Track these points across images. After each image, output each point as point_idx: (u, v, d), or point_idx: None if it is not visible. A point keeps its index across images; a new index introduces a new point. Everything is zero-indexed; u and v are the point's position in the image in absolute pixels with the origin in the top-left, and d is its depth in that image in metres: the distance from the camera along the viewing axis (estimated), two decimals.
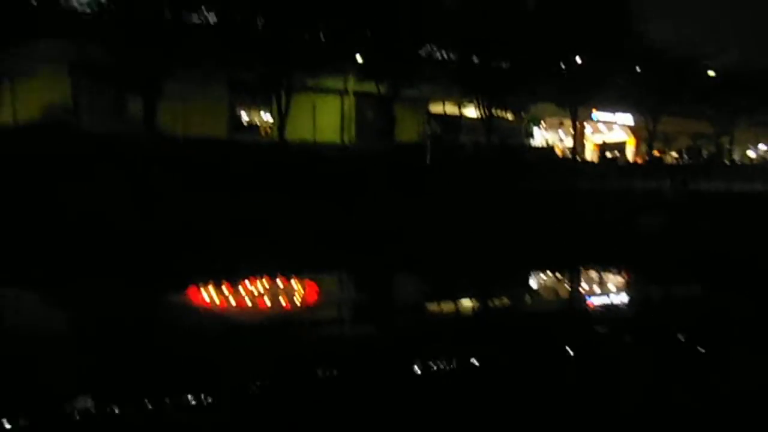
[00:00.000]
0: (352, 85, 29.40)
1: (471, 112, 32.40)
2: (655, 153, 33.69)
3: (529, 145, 33.09)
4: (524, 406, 5.12)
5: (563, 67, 28.97)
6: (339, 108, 30.16)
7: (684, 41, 32.18)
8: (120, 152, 16.34)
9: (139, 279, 10.07)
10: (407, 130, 29.94)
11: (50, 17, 18.43)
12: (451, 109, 33.74)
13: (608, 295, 11.41)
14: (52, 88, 22.24)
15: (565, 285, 12.49)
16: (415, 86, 27.20)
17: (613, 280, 13.12)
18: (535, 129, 35.50)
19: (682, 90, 31.22)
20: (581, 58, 28.66)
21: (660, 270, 13.93)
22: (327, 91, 28.95)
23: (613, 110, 35.93)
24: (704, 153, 34.42)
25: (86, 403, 4.68)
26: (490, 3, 26.25)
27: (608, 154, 36.36)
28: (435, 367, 5.82)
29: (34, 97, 21.31)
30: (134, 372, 5.52)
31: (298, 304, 6.42)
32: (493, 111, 28.92)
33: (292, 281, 6.98)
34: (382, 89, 26.98)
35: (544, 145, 35.34)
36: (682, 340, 7.44)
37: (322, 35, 23.71)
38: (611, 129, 37.95)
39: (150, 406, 4.65)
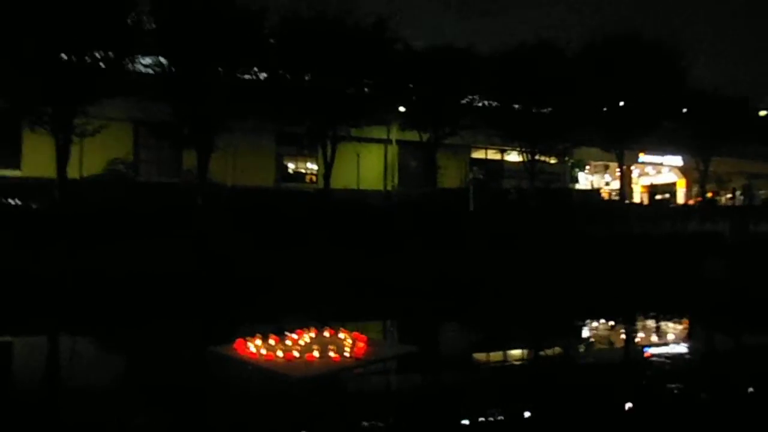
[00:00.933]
0: (395, 134, 30.11)
1: (514, 157, 32.46)
2: (709, 194, 32.44)
3: (574, 188, 32.52)
4: None
5: (607, 111, 28.68)
6: (382, 156, 30.80)
7: (733, 81, 31.51)
8: (173, 200, 17.03)
9: (183, 330, 10.28)
10: (450, 176, 30.17)
11: (115, 78, 19.82)
12: (493, 154, 33.90)
13: (671, 345, 10.78)
14: (116, 145, 23.84)
15: (624, 335, 11.91)
16: (457, 134, 27.65)
17: (676, 329, 12.43)
18: (580, 173, 34.98)
19: (732, 130, 30.30)
20: (626, 103, 28.33)
21: (727, 318, 13.13)
22: (371, 140, 29.75)
23: (661, 152, 35.11)
24: (761, 194, 32.86)
25: None
26: (532, 49, 26.59)
27: (658, 197, 35.27)
28: (484, 419, 5.64)
29: (98, 153, 22.83)
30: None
31: (348, 356, 6.36)
32: (536, 156, 28.85)
33: (341, 333, 6.95)
34: (425, 137, 27.51)
35: (590, 188, 34.70)
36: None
37: (366, 88, 24.52)
38: (659, 171, 36.97)
39: None
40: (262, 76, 23.43)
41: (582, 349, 10.48)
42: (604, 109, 28.64)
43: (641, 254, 19.16)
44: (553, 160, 29.70)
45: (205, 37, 19.89)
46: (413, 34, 26.44)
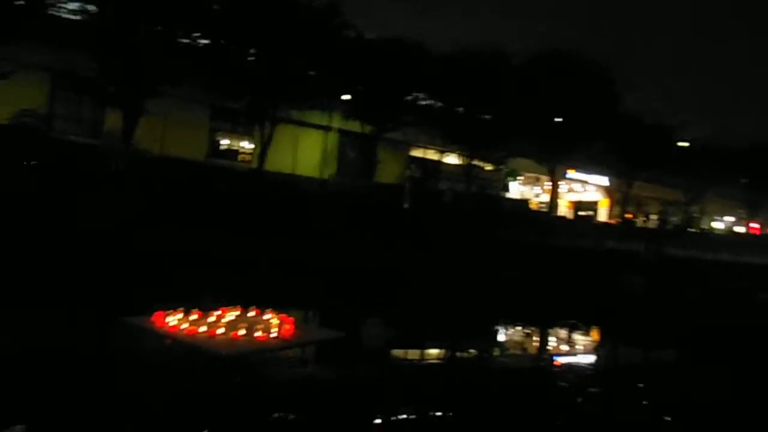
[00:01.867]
0: (337, 122, 29.53)
1: (452, 159, 32.91)
2: (628, 216, 34.50)
3: (505, 196, 33.48)
4: None
5: (543, 125, 29.70)
6: (321, 143, 30.14)
7: (658, 111, 33.67)
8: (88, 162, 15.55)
9: (97, 299, 9.37)
10: (387, 171, 30.04)
11: (35, 20, 17.87)
12: (432, 154, 34.20)
13: (578, 355, 11.11)
14: (28, 95, 21.54)
15: (536, 341, 12.15)
16: (399, 129, 27.57)
17: (587, 339, 12.85)
18: (512, 182, 36.07)
19: (654, 157, 32.38)
20: (561, 119, 29.46)
21: (639, 332, 13.77)
22: (311, 125, 29.04)
23: (589, 171, 36.99)
24: (674, 220, 35.49)
25: None
26: (479, 57, 26.97)
27: (582, 213, 37.09)
28: (395, 418, 5.58)
29: (6, 101, 20.52)
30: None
31: (275, 337, 5.92)
32: (474, 160, 29.36)
33: (267, 313, 6.47)
34: (367, 129, 27.21)
35: (520, 198, 35.86)
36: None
37: (311, 71, 23.79)
38: (586, 189, 38.92)
39: None
40: (203, 42, 22.07)
41: (495, 351, 10.63)
42: (541, 122, 29.64)
43: (563, 265, 19.94)
44: (489, 167, 30.38)
45: None
46: (366, 24, 26.04)
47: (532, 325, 13.08)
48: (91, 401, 5.00)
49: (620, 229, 29.67)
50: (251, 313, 6.50)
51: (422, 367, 8.73)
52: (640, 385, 8.43)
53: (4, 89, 19.16)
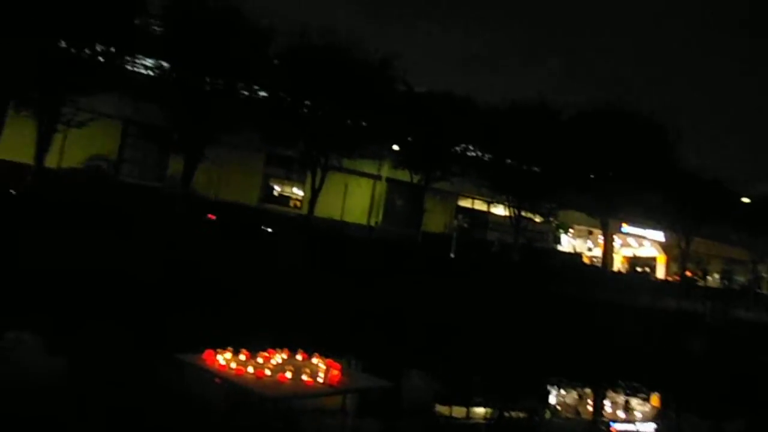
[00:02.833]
0: (385, 171, 30.05)
1: (499, 210, 32.57)
2: (688, 273, 32.73)
3: (557, 249, 32.59)
4: None
5: (595, 178, 29.10)
6: (370, 191, 30.62)
7: (721, 166, 32.43)
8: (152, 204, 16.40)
9: (146, 335, 9.63)
10: (435, 221, 30.04)
11: (113, 74, 19.43)
12: (480, 205, 34.01)
13: (637, 422, 10.36)
14: (101, 141, 23.19)
15: (591, 403, 11.45)
16: (447, 179, 27.70)
17: (647, 404, 12.00)
18: (563, 235, 35.17)
19: (714, 213, 30.92)
20: (614, 172, 28.77)
21: (704, 398, 12.77)
22: (361, 173, 29.66)
23: (644, 226, 35.63)
24: (740, 279, 33.35)
25: None
26: (528, 110, 27.04)
27: (638, 269, 35.50)
28: None
29: (82, 146, 22.15)
30: None
31: (321, 382, 5.86)
32: (523, 212, 28.94)
33: (314, 358, 6.45)
34: (415, 179, 27.49)
35: (572, 251, 34.83)
36: None
37: (363, 122, 24.52)
38: (641, 244, 37.40)
39: None
40: (261, 94, 23.27)
41: (546, 413, 10.05)
42: (592, 176, 29.05)
43: (619, 322, 18.94)
44: (538, 219, 29.82)
45: (210, 47, 19.73)
46: (416, 80, 26.83)
47: (587, 386, 12.37)
48: None
49: (680, 287, 28.12)
50: (298, 357, 6.48)
51: (468, 426, 8.34)
52: None
53: (81, 136, 20.70)
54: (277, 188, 30.27)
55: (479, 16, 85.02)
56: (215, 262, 14.54)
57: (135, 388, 6.70)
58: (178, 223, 16.52)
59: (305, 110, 23.39)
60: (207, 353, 6.07)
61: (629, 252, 37.63)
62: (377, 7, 79.80)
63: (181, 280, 13.50)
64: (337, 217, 27.62)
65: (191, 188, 21.39)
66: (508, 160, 28.15)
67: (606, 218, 30.23)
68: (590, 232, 35.99)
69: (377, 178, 30.56)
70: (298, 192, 29.93)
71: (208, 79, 20.74)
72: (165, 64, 21.01)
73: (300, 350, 6.57)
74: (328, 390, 5.94)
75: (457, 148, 28.11)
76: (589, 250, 36.04)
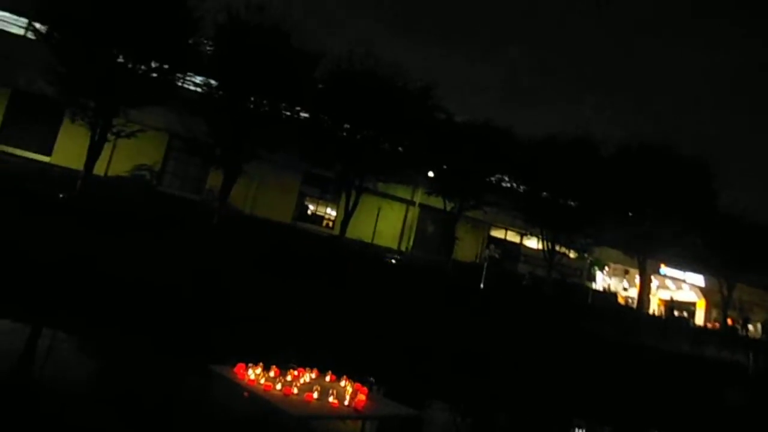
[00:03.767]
0: (419, 196, 30.15)
1: (533, 242, 32.08)
2: (729, 321, 31.29)
3: (591, 287, 31.75)
4: None
5: (633, 216, 28.41)
6: (402, 216, 30.71)
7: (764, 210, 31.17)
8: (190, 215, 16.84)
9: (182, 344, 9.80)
10: (466, 249, 29.83)
11: (164, 89, 20.26)
12: (512, 236, 33.61)
13: None
14: (147, 152, 24.12)
15: None
16: (480, 208, 27.55)
17: None
18: (598, 272, 34.29)
19: (759, 260, 29.64)
20: (653, 211, 28.06)
21: None
22: (394, 198, 29.83)
23: (684, 268, 34.44)
24: None
25: None
26: (567, 143, 26.80)
27: (676, 313, 34.17)
28: None
29: (129, 156, 23.07)
30: None
31: (347, 405, 5.85)
32: (557, 246, 28.42)
33: (343, 380, 6.45)
34: (449, 206, 27.45)
35: (606, 289, 33.88)
36: None
37: (400, 147, 24.76)
38: (680, 287, 36.08)
39: None
40: (303, 115, 23.81)
41: None
42: (630, 213, 28.37)
43: (655, 368, 18.18)
44: (572, 254, 29.20)
45: (258, 69, 20.37)
46: (455, 109, 27.02)
47: (617, 430, 11.89)
48: None
49: (720, 335, 26.87)
50: (327, 378, 6.49)
51: None
52: None
53: (128, 146, 21.60)
54: (311, 207, 30.68)
55: (517, 50, 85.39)
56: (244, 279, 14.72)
57: (165, 394, 6.79)
58: (214, 235, 16.88)
59: (345, 133, 23.79)
60: (238, 366, 6.17)
61: (667, 294, 36.30)
62: (437, 38, 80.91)
63: (211, 292, 13.75)
64: (368, 239, 27.74)
65: (228, 202, 21.89)
66: (544, 193, 27.84)
67: (644, 258, 29.36)
68: (626, 271, 34.99)
69: (410, 203, 30.66)
70: (331, 212, 30.25)
71: (253, 99, 21.38)
72: (213, 82, 21.79)
73: (330, 371, 6.58)
74: (353, 414, 5.93)
75: (493, 178, 28.03)
76: (625, 289, 34.96)
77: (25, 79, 23.19)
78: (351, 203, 24.14)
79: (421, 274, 20.84)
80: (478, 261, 29.34)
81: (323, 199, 30.12)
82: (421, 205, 30.58)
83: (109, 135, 19.53)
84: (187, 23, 19.97)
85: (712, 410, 16.35)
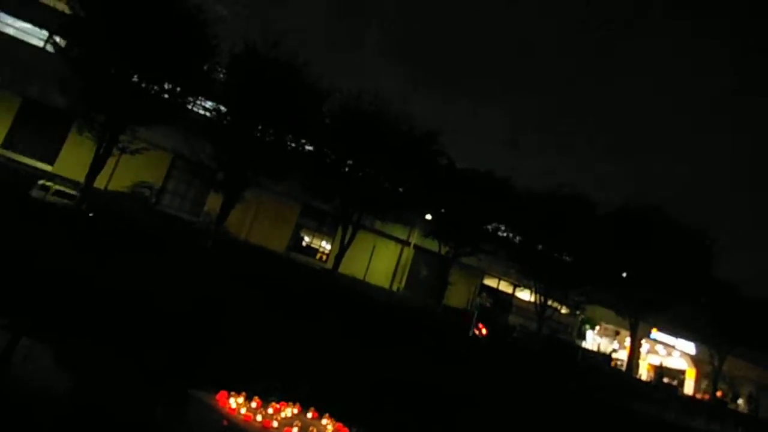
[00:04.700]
0: (415, 238, 30.10)
1: (525, 294, 31.82)
2: (718, 394, 30.69)
3: (581, 345, 31.32)
4: None
5: (627, 278, 28.29)
6: (397, 255, 30.54)
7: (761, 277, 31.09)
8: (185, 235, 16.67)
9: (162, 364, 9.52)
10: (458, 295, 29.58)
11: (173, 110, 20.49)
12: (505, 286, 33.39)
13: None
14: (149, 170, 24.17)
15: None
16: (475, 255, 27.45)
17: None
18: (589, 331, 33.92)
19: (751, 332, 29.32)
20: (648, 276, 27.95)
21: None
22: (390, 237, 29.76)
23: (675, 334, 34.05)
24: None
25: None
26: (566, 200, 26.96)
27: (665, 380, 33.55)
28: None
29: (130, 172, 23.09)
30: None
31: None
32: (549, 300, 28.18)
33: (324, 419, 6.24)
34: (444, 250, 27.37)
35: (596, 349, 33.40)
36: None
37: (401, 188, 24.87)
38: (670, 353, 35.58)
39: None
40: (308, 148, 24.01)
41: None
42: (624, 274, 28.26)
43: None
44: (564, 310, 28.92)
45: (268, 99, 20.66)
46: (457, 156, 27.31)
47: None
48: None
49: (710, 407, 26.31)
50: (309, 414, 6.28)
51: None
52: None
53: (131, 162, 21.66)
54: (306, 239, 30.54)
55: (524, 103, 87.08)
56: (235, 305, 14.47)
57: (138, 418, 6.54)
58: (208, 259, 16.69)
59: (347, 168, 23.94)
60: (221, 394, 5.98)
61: (656, 360, 35.76)
62: (440, 84, 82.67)
63: (204, 314, 13.48)
64: (360, 276, 27.50)
65: (224, 227, 21.77)
66: (540, 246, 27.81)
67: (635, 320, 29.08)
68: (617, 333, 34.63)
69: (406, 243, 30.58)
70: (326, 245, 30.11)
71: (260, 128, 21.60)
72: (223, 108, 22.05)
73: (312, 408, 6.38)
74: None
75: (490, 226, 28.06)
76: (614, 351, 34.48)
77: (38, 89, 23.47)
78: (347, 238, 24.05)
79: (411, 315, 20.51)
80: (469, 308, 29.07)
81: (320, 231, 30.03)
82: (416, 247, 30.49)
83: (114, 150, 19.62)
84: (203, 49, 20.38)
85: None
